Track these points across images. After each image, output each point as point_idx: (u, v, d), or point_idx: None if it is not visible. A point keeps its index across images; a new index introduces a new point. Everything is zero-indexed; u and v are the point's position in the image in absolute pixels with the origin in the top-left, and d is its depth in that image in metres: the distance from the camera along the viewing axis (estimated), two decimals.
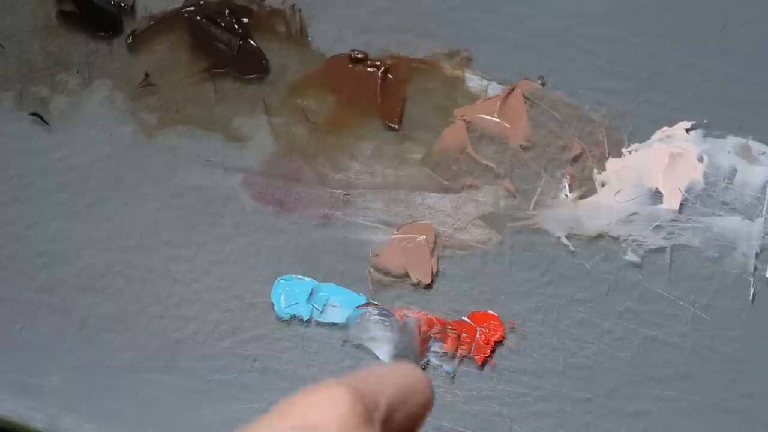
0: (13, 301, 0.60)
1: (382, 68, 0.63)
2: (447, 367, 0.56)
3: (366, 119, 0.62)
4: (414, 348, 0.48)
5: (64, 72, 0.65)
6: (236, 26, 0.65)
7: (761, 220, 0.58)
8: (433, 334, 0.57)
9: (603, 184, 0.59)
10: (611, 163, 0.60)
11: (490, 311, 0.57)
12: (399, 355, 0.47)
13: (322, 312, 0.58)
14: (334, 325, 0.58)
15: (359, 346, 0.57)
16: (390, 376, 0.41)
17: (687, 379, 0.56)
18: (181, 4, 0.66)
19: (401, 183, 0.61)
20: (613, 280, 0.58)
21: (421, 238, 0.59)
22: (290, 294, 0.59)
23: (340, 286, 0.58)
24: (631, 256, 0.58)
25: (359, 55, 0.63)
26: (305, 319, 0.58)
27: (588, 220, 0.59)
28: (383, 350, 0.57)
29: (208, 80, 0.64)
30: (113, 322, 0.59)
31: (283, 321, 0.58)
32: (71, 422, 0.58)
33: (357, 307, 0.58)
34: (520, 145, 0.61)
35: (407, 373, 0.42)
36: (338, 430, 0.37)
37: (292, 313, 0.58)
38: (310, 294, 0.58)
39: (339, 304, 0.58)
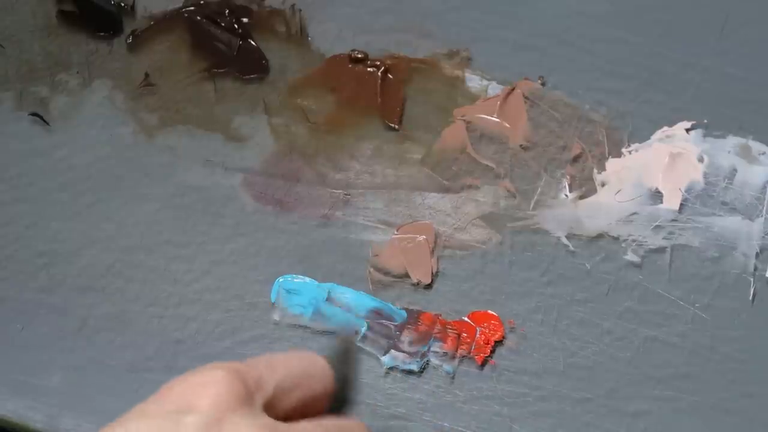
0: (13, 301, 0.60)
1: (382, 68, 0.63)
2: (447, 367, 0.56)
3: (366, 119, 0.62)
4: (349, 348, 0.48)
5: (64, 72, 0.65)
6: (236, 26, 0.65)
7: (761, 220, 0.58)
8: (433, 334, 0.57)
9: (603, 184, 0.59)
10: (611, 163, 0.60)
11: (490, 311, 0.57)
12: (337, 353, 0.47)
13: (322, 314, 0.58)
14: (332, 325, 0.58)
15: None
16: (283, 360, 0.41)
17: (687, 379, 0.56)
18: (181, 4, 0.66)
19: (401, 183, 0.61)
20: (613, 280, 0.58)
21: (421, 238, 0.59)
22: (292, 294, 0.59)
23: (360, 292, 0.58)
24: (631, 256, 0.58)
25: (359, 55, 0.63)
26: (306, 319, 0.58)
27: (588, 220, 0.59)
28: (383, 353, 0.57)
29: (208, 80, 0.64)
30: (113, 322, 0.59)
31: (282, 322, 0.58)
32: (71, 422, 0.58)
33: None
34: (520, 145, 0.61)
35: (306, 362, 0.42)
36: (213, 409, 0.37)
37: (293, 314, 0.58)
38: (327, 297, 0.58)
39: (347, 306, 0.58)
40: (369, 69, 0.63)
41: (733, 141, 0.60)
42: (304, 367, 0.42)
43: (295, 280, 0.59)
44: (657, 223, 0.58)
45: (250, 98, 0.64)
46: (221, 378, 0.38)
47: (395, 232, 0.60)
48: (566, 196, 0.59)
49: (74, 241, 0.61)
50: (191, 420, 0.37)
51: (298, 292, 0.58)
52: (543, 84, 0.62)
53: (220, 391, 0.38)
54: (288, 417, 0.40)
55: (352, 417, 0.43)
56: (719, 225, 0.58)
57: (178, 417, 0.37)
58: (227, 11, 0.65)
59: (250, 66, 0.64)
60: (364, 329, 0.56)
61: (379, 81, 0.63)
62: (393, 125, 0.62)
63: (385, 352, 0.57)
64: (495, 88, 0.62)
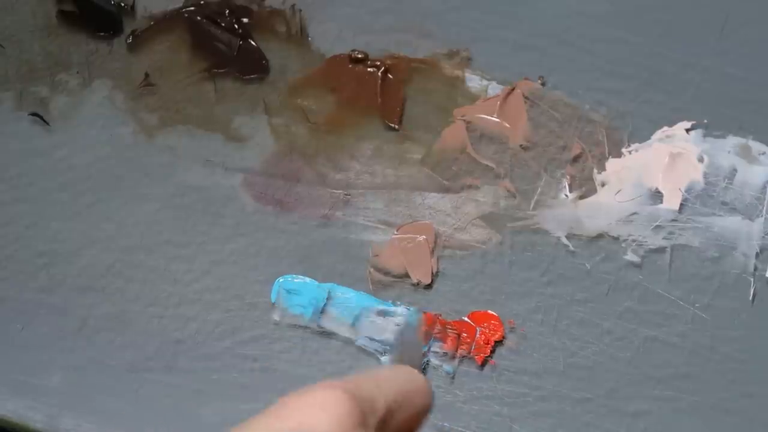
0: (13, 301, 0.60)
1: (382, 68, 0.63)
2: (447, 367, 0.56)
3: (366, 119, 0.62)
4: (417, 350, 0.48)
5: (64, 72, 0.65)
6: (236, 26, 0.65)
7: (761, 220, 0.58)
8: (433, 334, 0.57)
9: (603, 184, 0.59)
10: (611, 163, 0.60)
11: (490, 311, 0.57)
12: (402, 357, 0.47)
13: (324, 314, 0.58)
14: (340, 326, 0.58)
15: (354, 345, 0.57)
16: (390, 381, 0.41)
17: (687, 379, 0.56)
18: (181, 4, 0.66)
19: (401, 183, 0.61)
20: (613, 280, 0.58)
21: (421, 238, 0.59)
22: (292, 294, 0.59)
23: (360, 292, 0.58)
24: (631, 256, 0.58)
25: (359, 55, 0.63)
26: (306, 319, 0.58)
27: (588, 220, 0.59)
28: (389, 351, 0.57)
29: (208, 80, 0.64)
30: (113, 322, 0.59)
31: (282, 322, 0.58)
32: (71, 422, 0.58)
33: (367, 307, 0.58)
34: (520, 145, 0.61)
35: (407, 378, 0.42)
36: None
37: (293, 314, 0.58)
38: (327, 298, 0.58)
39: (345, 307, 0.58)
40: (369, 69, 0.63)
41: (733, 141, 0.60)
42: (409, 386, 0.42)
43: (295, 280, 0.59)
44: (657, 223, 0.58)
45: (250, 98, 0.64)
46: (340, 401, 0.38)
47: (395, 232, 0.60)
48: (566, 196, 0.59)
49: (74, 241, 0.61)
50: None
51: (298, 292, 0.58)
52: (543, 84, 0.62)
53: (340, 414, 0.38)
54: None
55: None
56: (719, 225, 0.58)
57: None
58: (227, 11, 0.65)
59: (250, 66, 0.64)
60: (416, 319, 0.56)
61: (379, 81, 0.63)
62: (393, 125, 0.62)
63: (386, 353, 0.57)
64: (495, 88, 0.62)
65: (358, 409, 0.38)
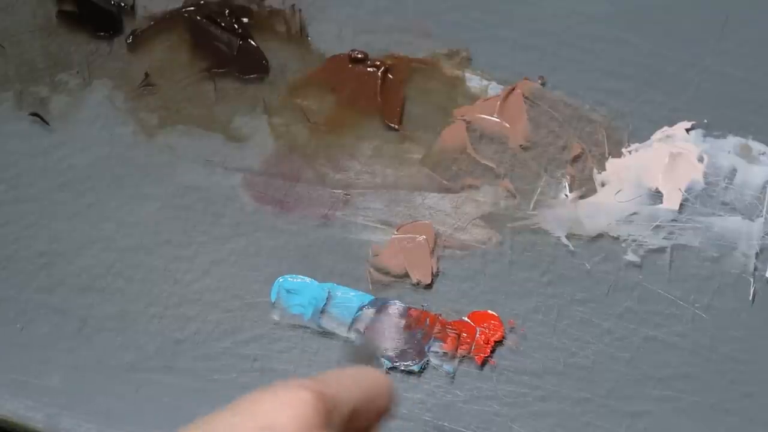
0: (13, 301, 0.60)
1: (382, 68, 0.63)
2: (447, 367, 0.56)
3: (366, 119, 0.62)
4: (374, 350, 0.48)
5: (64, 72, 0.65)
6: (236, 26, 0.65)
7: (761, 220, 0.58)
8: (433, 334, 0.57)
9: (603, 184, 0.59)
10: (611, 163, 0.60)
11: (490, 311, 0.57)
12: (357, 356, 0.47)
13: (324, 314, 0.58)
14: (339, 326, 0.58)
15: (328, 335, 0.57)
16: (356, 381, 0.42)
17: (687, 379, 0.56)
18: (181, 4, 0.66)
19: (401, 183, 0.61)
20: (613, 280, 0.58)
21: (421, 238, 0.59)
22: (292, 294, 0.59)
23: (360, 292, 0.58)
24: (631, 256, 0.58)
25: (359, 55, 0.63)
26: (306, 319, 0.58)
27: (588, 220, 0.59)
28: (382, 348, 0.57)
29: (208, 80, 0.64)
30: (113, 322, 0.59)
31: (282, 322, 0.58)
32: (71, 422, 0.58)
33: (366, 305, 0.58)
34: (520, 145, 0.61)
35: (373, 379, 0.42)
36: (297, 431, 0.37)
37: (293, 313, 0.58)
38: (327, 299, 0.58)
39: (344, 307, 0.58)
40: (369, 69, 0.63)
41: (733, 141, 0.60)
42: (372, 387, 0.42)
43: (295, 280, 0.59)
44: (657, 223, 0.58)
45: (250, 98, 0.64)
46: (304, 400, 0.38)
47: (395, 232, 0.60)
48: (566, 196, 0.59)
49: (74, 241, 0.61)
50: None
51: (298, 292, 0.58)
52: (543, 84, 0.62)
53: (304, 413, 0.38)
54: None
55: None
56: (719, 225, 0.58)
57: None
58: (227, 11, 0.65)
59: (250, 66, 0.64)
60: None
61: (379, 81, 0.63)
62: (393, 125, 0.62)
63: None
64: (495, 88, 0.62)
65: (323, 409, 0.38)
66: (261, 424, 0.38)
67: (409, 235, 0.59)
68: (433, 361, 0.57)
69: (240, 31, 0.64)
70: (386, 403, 0.42)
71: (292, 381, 0.39)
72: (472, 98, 0.62)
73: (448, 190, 0.60)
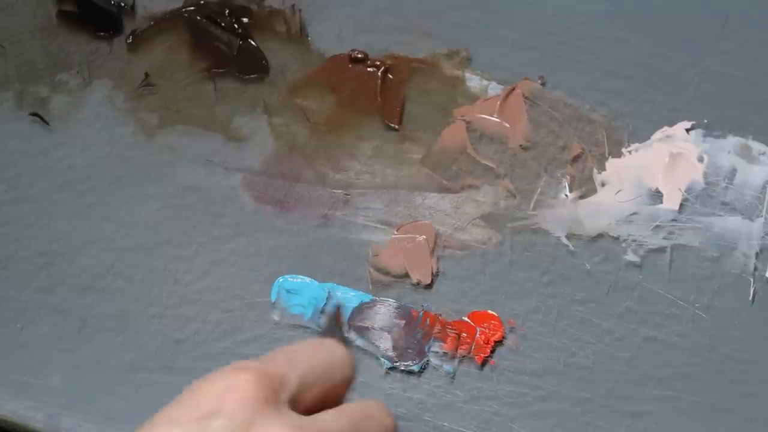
0: (13, 301, 0.60)
1: (382, 68, 0.63)
2: (447, 367, 0.56)
3: (366, 119, 0.62)
4: (337, 328, 0.48)
5: (64, 72, 0.65)
6: (236, 26, 0.65)
7: (761, 220, 0.58)
8: (433, 334, 0.57)
9: (603, 184, 0.59)
10: (611, 163, 0.60)
11: (490, 311, 0.57)
12: (325, 332, 0.46)
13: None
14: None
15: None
16: (303, 353, 0.41)
17: (687, 379, 0.56)
18: (181, 4, 0.66)
19: (401, 183, 0.61)
20: (613, 280, 0.58)
21: (421, 238, 0.59)
22: (292, 294, 0.59)
23: (360, 292, 0.58)
24: (631, 256, 0.58)
25: (359, 55, 0.63)
26: (306, 319, 0.58)
27: (588, 220, 0.59)
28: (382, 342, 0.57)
29: (208, 80, 0.64)
30: (113, 322, 0.59)
31: (282, 322, 0.58)
32: (71, 422, 0.58)
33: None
34: (520, 145, 0.61)
35: (325, 350, 0.42)
36: (240, 413, 0.37)
37: (293, 313, 0.58)
38: (327, 299, 0.58)
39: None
40: (369, 69, 0.63)
41: (733, 141, 0.60)
42: (324, 357, 0.41)
43: (295, 280, 0.59)
44: (657, 223, 0.58)
45: (250, 98, 0.64)
46: (246, 380, 0.38)
47: (395, 232, 0.60)
48: (566, 196, 0.59)
49: (74, 241, 0.61)
50: (219, 424, 0.37)
51: (298, 292, 0.58)
52: (543, 84, 0.62)
53: (246, 394, 0.38)
54: (311, 409, 0.40)
55: (370, 398, 0.43)
56: (719, 225, 0.58)
57: (206, 423, 0.37)
58: (227, 11, 0.65)
59: (250, 66, 0.64)
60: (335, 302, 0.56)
61: (379, 81, 0.63)
62: (393, 125, 0.62)
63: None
64: (495, 88, 0.62)
65: (266, 387, 0.38)
66: (202, 412, 0.38)
67: (409, 235, 0.59)
68: (433, 361, 0.57)
69: (240, 31, 0.64)
70: (343, 373, 0.42)
71: (233, 364, 0.39)
72: (472, 98, 0.62)
73: (448, 190, 0.60)
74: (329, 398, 0.41)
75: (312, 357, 0.41)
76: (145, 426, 0.38)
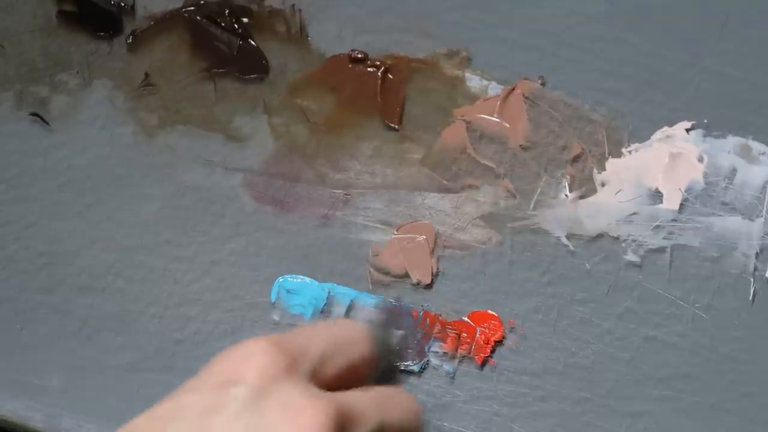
0: (13, 301, 0.60)
1: (382, 68, 0.63)
2: (447, 367, 0.56)
3: (366, 119, 0.62)
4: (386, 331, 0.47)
5: (64, 72, 0.65)
6: (236, 26, 0.65)
7: (761, 220, 0.58)
8: (433, 334, 0.57)
9: (603, 184, 0.59)
10: (611, 163, 0.60)
11: (490, 311, 0.57)
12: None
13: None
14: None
15: None
16: (323, 330, 0.41)
17: (687, 379, 0.56)
18: (181, 4, 0.66)
19: (401, 183, 0.61)
20: (613, 280, 0.58)
21: (421, 238, 0.59)
22: (292, 294, 0.59)
23: (360, 292, 0.58)
24: (631, 256, 0.58)
25: (359, 55, 0.63)
26: (306, 319, 0.58)
27: (588, 220, 0.59)
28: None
29: (208, 80, 0.64)
30: (113, 322, 0.59)
31: (282, 322, 0.58)
32: (71, 422, 0.58)
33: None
34: (520, 145, 0.61)
35: (342, 326, 0.42)
36: (259, 380, 0.37)
37: (293, 313, 0.58)
38: (327, 298, 0.58)
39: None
40: (369, 69, 0.63)
41: (733, 141, 0.60)
42: (344, 334, 0.41)
43: (295, 280, 0.59)
44: (657, 223, 0.58)
45: (250, 98, 0.64)
46: (264, 349, 0.38)
47: (395, 232, 0.60)
48: (566, 196, 0.59)
49: (74, 241, 0.61)
50: (238, 391, 0.37)
51: (298, 292, 0.58)
52: (543, 84, 0.62)
53: (264, 362, 0.38)
54: (332, 386, 0.40)
55: (399, 386, 0.43)
56: (719, 225, 0.58)
57: (225, 389, 0.37)
58: (227, 11, 0.65)
59: (250, 66, 0.64)
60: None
61: (379, 81, 0.63)
62: (393, 125, 0.62)
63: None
64: (495, 88, 0.62)
65: (285, 356, 0.38)
66: (221, 380, 0.38)
67: (409, 235, 0.59)
68: (433, 361, 0.57)
69: (240, 31, 0.64)
70: (361, 350, 0.42)
71: (251, 338, 0.39)
72: (472, 98, 0.62)
73: (448, 190, 0.60)
74: (352, 378, 0.41)
75: (331, 333, 0.41)
76: (168, 396, 0.38)
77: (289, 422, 0.36)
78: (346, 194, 0.61)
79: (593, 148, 0.60)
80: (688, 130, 0.60)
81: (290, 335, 0.40)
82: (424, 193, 0.60)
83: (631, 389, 0.56)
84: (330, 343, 0.40)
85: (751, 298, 0.57)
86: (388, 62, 0.63)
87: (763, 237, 0.58)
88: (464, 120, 0.61)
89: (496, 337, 0.57)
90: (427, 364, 0.57)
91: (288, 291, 0.59)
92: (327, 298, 0.58)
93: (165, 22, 0.66)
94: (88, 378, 0.58)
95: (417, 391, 0.56)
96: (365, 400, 0.40)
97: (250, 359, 0.38)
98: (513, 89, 0.62)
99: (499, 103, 0.61)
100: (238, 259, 0.60)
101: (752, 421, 0.55)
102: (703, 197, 0.59)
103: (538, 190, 0.60)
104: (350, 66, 0.63)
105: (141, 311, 0.59)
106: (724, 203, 0.59)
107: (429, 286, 0.58)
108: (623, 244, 0.58)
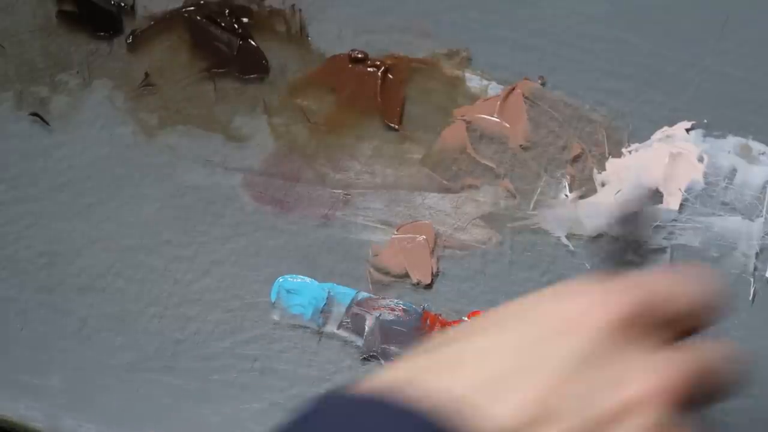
0: (13, 301, 0.60)
1: (382, 68, 0.63)
2: None
3: (366, 119, 0.62)
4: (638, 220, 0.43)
5: (64, 72, 0.65)
6: (236, 26, 0.65)
7: (761, 220, 0.58)
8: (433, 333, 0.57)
9: (603, 184, 0.59)
10: (611, 163, 0.60)
11: None
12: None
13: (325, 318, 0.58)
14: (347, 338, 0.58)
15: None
16: (660, 282, 0.38)
17: None
18: (181, 4, 0.66)
19: (401, 183, 0.61)
20: None
21: (421, 238, 0.59)
22: (292, 294, 0.59)
23: (360, 292, 0.58)
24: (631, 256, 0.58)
25: (359, 55, 0.63)
26: (306, 319, 0.58)
27: (588, 220, 0.59)
28: None
29: (208, 80, 0.64)
30: (113, 322, 0.59)
31: (282, 322, 0.58)
32: (71, 422, 0.58)
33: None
34: (520, 145, 0.61)
35: (669, 274, 0.39)
36: (592, 342, 0.35)
37: (293, 313, 0.58)
38: (327, 299, 0.58)
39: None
40: (369, 69, 0.63)
41: (733, 141, 0.60)
42: (679, 284, 0.38)
43: (295, 280, 0.59)
44: (657, 223, 0.58)
45: (250, 98, 0.64)
46: (604, 306, 0.36)
47: (395, 232, 0.60)
48: (566, 196, 0.59)
49: (74, 241, 0.61)
50: (571, 345, 0.35)
51: (298, 292, 0.58)
52: (543, 84, 0.62)
53: (606, 318, 0.35)
54: (669, 335, 0.37)
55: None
56: (719, 225, 0.58)
57: (557, 338, 0.35)
58: (227, 11, 0.65)
59: (250, 66, 0.64)
60: None
61: (379, 81, 0.63)
62: (393, 125, 0.62)
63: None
64: (495, 88, 0.62)
65: (626, 314, 0.35)
66: (555, 326, 0.35)
67: (409, 235, 0.59)
68: None
69: (240, 31, 0.64)
70: (694, 297, 0.38)
71: (586, 286, 0.36)
72: (472, 98, 0.62)
73: (448, 190, 0.60)
74: (688, 327, 0.38)
75: (668, 283, 0.38)
76: (495, 310, 0.37)
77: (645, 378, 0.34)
78: (346, 194, 0.61)
79: (593, 148, 0.60)
80: (688, 130, 0.60)
81: (630, 287, 0.37)
82: (424, 193, 0.60)
83: None
84: (667, 296, 0.37)
85: (751, 298, 0.57)
86: (388, 62, 0.63)
87: (763, 237, 0.58)
88: (464, 120, 0.61)
89: None
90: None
91: (288, 291, 0.59)
92: (327, 298, 0.58)
93: (165, 22, 0.66)
94: (88, 378, 0.58)
95: None
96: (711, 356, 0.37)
97: (587, 315, 0.35)
98: (513, 89, 0.62)
99: (499, 103, 0.61)
100: (238, 259, 0.60)
101: (752, 421, 0.55)
102: (703, 197, 0.59)
103: (538, 190, 0.60)
104: (350, 66, 0.63)
105: (141, 311, 0.59)
106: (724, 203, 0.59)
107: (429, 286, 0.58)
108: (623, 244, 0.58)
